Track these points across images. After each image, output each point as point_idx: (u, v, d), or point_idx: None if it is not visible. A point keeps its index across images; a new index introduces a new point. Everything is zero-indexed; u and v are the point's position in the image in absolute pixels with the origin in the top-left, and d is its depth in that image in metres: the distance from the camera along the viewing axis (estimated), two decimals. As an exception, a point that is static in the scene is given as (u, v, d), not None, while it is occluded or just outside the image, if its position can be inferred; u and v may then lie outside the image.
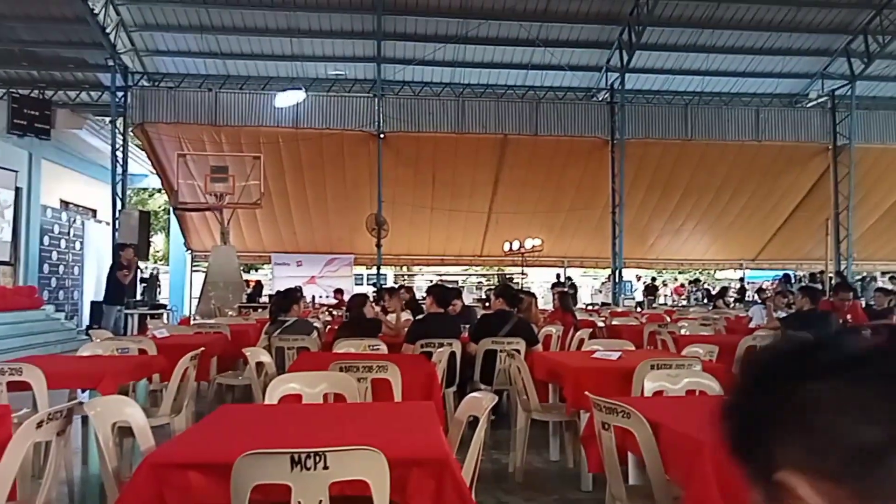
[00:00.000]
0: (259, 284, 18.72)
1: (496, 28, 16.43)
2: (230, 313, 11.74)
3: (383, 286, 18.18)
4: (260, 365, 4.75)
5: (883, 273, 23.16)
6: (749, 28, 16.71)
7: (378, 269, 17.77)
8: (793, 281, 20.16)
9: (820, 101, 18.43)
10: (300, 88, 16.44)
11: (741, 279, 23.21)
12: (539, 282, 24.11)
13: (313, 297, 15.83)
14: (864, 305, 9.79)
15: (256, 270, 27.76)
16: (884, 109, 18.68)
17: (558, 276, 20.96)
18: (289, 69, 17.38)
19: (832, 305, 6.94)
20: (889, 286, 16.04)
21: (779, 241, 21.05)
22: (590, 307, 16.47)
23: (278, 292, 7.29)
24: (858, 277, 20.27)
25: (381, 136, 16.94)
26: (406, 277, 27.53)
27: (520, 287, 20.13)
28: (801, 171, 18.84)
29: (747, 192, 19.17)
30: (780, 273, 22.09)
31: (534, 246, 17.46)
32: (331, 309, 12.32)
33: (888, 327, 6.86)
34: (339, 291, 15.51)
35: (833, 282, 16.40)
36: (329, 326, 7.60)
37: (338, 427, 2.50)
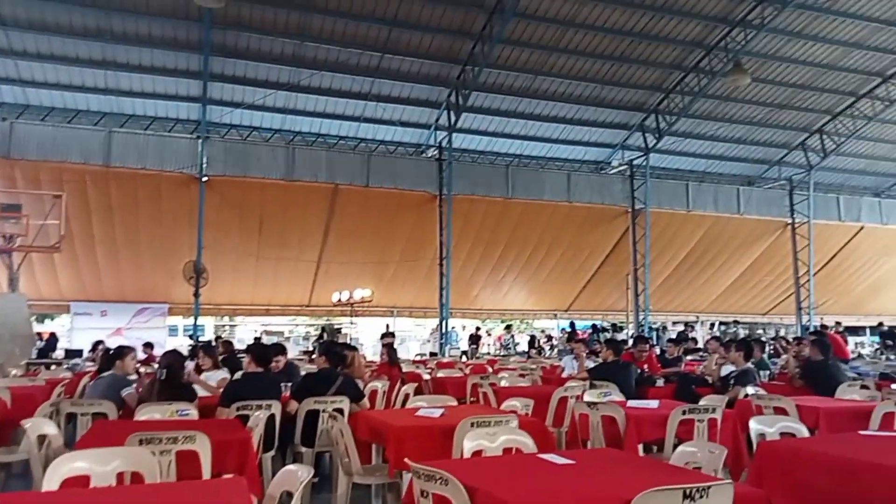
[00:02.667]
0: (53, 337, 16.67)
1: (329, 79, 16.53)
2: (14, 372, 10.25)
3: (200, 339, 17.05)
4: (45, 437, 4.15)
5: (674, 322, 26.01)
6: (562, 100, 18.37)
7: (195, 319, 16.64)
8: (599, 330, 21.91)
9: (620, 168, 20.64)
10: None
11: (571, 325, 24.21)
12: (369, 331, 23.93)
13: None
14: (658, 353, 10.87)
15: (52, 320, 24.73)
16: (672, 180, 21.28)
17: (387, 326, 20.98)
18: (101, 103, 16.07)
19: (632, 356, 7.60)
20: (675, 336, 18.01)
21: (588, 292, 22.91)
22: (418, 357, 16.62)
23: (106, 350, 6.46)
24: (654, 326, 22.55)
25: (204, 178, 16.12)
26: (228, 328, 26.00)
27: (348, 338, 19.91)
28: (606, 230, 20.79)
29: (561, 248, 20.73)
30: (589, 323, 23.89)
31: (363, 297, 17.38)
32: (138, 366, 11.20)
33: (678, 374, 7.65)
34: (148, 345, 14.14)
35: (632, 333, 18.09)
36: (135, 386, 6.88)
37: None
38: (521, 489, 2.49)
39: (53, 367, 12.80)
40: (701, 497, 2.19)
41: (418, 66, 16.74)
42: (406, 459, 2.70)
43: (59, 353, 16.13)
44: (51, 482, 2.70)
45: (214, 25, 14.65)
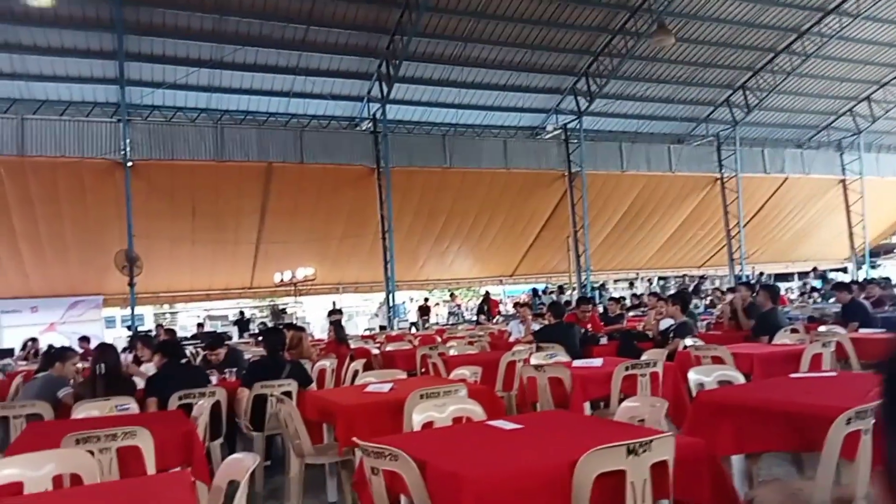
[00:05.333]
0: (-21, 338, 15.87)
1: (254, 54, 15.97)
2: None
3: (140, 329, 16.53)
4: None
5: (615, 280, 26.75)
6: (494, 67, 18.31)
7: (132, 309, 16.09)
8: (540, 294, 22.31)
9: (555, 133, 20.84)
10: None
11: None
12: (316, 309, 23.66)
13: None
14: (600, 312, 11.15)
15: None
16: (606, 141, 21.63)
17: (334, 303, 20.81)
18: (9, 89, 15.11)
19: (576, 317, 7.77)
20: (619, 294, 18.56)
21: (530, 257, 23.23)
22: (367, 332, 16.57)
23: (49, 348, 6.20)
24: (596, 285, 23.10)
25: (129, 164, 15.44)
26: (168, 316, 25.29)
27: (293, 318, 19.66)
28: (544, 195, 21.03)
29: (501, 215, 20.88)
30: (532, 286, 24.30)
31: (306, 276, 17.13)
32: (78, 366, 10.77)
33: (620, 331, 7.87)
34: (84, 339, 13.58)
35: (576, 293, 18.49)
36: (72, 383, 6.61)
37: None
38: (471, 458, 2.51)
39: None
40: (644, 451, 2.26)
41: (346, 37, 16.35)
42: (354, 438, 2.68)
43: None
44: (-21, 493, 2.57)
45: (126, 2, 13.89)
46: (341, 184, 17.90)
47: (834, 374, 4.39)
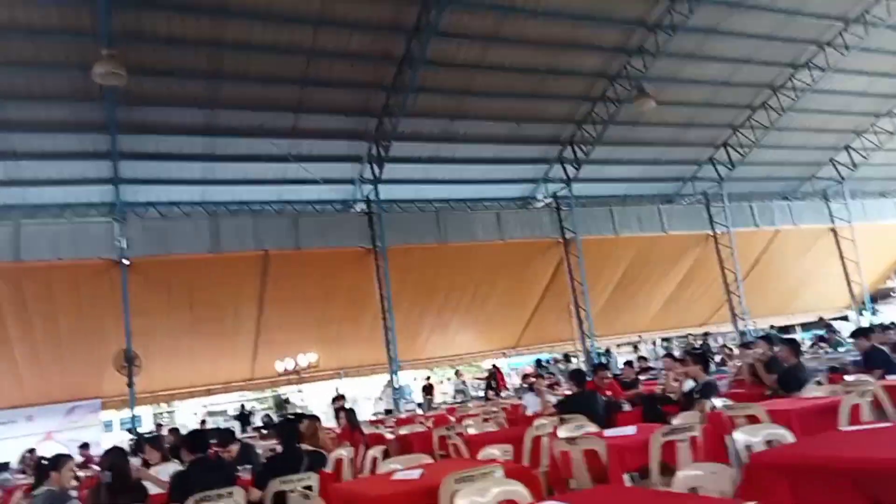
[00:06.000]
0: (-28, 452, 15.24)
1: (246, 144, 16.21)
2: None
3: (139, 431, 15.99)
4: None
5: (618, 345, 26.40)
6: (480, 141, 18.67)
7: (132, 411, 15.62)
8: (544, 364, 21.97)
9: (546, 201, 21.06)
10: None
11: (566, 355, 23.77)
12: (317, 397, 23.09)
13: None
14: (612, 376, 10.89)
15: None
16: (597, 206, 21.83)
17: (336, 389, 20.32)
18: (5, 196, 15.16)
19: (594, 385, 7.55)
20: (628, 357, 18.26)
21: (533, 327, 22.97)
22: (374, 417, 16.10)
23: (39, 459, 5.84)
24: (600, 351, 22.78)
25: (126, 262, 15.35)
26: (166, 416, 24.58)
27: (297, 408, 19.16)
28: (541, 263, 21.03)
29: (501, 286, 20.78)
30: (539, 357, 23.93)
31: (309, 363, 16.79)
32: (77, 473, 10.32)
33: (641, 396, 7.63)
34: (84, 446, 13.13)
35: (583, 360, 18.16)
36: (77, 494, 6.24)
37: None
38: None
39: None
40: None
41: (335, 121, 16.69)
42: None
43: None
44: None
45: (119, 103, 14.17)
46: (338, 267, 17.84)
47: (888, 424, 4.20)
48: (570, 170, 20.44)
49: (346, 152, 17.66)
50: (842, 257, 26.21)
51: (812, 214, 25.32)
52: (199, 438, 5.29)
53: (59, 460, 5.20)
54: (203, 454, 5.13)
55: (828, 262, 26.09)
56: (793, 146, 23.55)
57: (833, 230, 25.95)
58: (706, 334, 24.22)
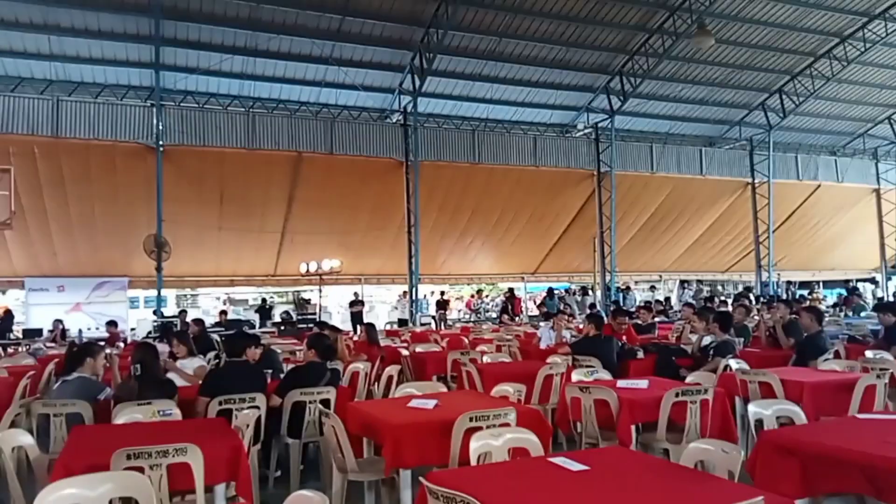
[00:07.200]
0: (9, 314, 16.05)
1: (288, 43, 15.90)
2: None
3: (164, 313, 16.63)
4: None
5: (636, 282, 26.43)
6: (526, 63, 18.09)
7: (158, 294, 16.18)
8: (554, 294, 22.09)
9: (586, 131, 20.57)
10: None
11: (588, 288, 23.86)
12: (336, 298, 23.70)
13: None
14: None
15: (3, 294, 23.74)
16: (636, 142, 21.33)
17: (356, 293, 20.82)
18: (45, 70, 15.18)
19: (611, 329, 7.63)
20: (647, 298, 18.32)
21: (554, 256, 23.02)
22: (389, 327, 16.53)
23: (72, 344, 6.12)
24: (619, 286, 22.85)
25: (161, 148, 15.47)
26: (189, 298, 25.45)
27: (317, 307, 19.70)
28: (572, 194, 20.80)
29: (527, 213, 20.69)
30: (551, 286, 24.05)
31: (332, 268, 17.10)
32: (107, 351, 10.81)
33: (657, 345, 7.72)
34: (112, 324, 13.71)
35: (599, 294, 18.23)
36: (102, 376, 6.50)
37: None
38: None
39: (11, 348, 12.37)
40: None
41: (381, 28, 16.23)
42: (424, 481, 2.60)
43: (16, 333, 15.59)
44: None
45: (165, -15, 13.88)
46: (369, 176, 17.82)
47: (902, 417, 4.23)
48: (615, 102, 19.84)
49: (388, 60, 17.25)
50: (880, 220, 25.58)
51: (857, 173, 24.53)
52: (237, 344, 5.54)
53: (94, 349, 5.38)
54: (239, 358, 5.38)
55: (863, 224, 25.49)
56: (849, 100, 22.54)
57: (877, 191, 25.20)
58: (748, 289, 23.43)
